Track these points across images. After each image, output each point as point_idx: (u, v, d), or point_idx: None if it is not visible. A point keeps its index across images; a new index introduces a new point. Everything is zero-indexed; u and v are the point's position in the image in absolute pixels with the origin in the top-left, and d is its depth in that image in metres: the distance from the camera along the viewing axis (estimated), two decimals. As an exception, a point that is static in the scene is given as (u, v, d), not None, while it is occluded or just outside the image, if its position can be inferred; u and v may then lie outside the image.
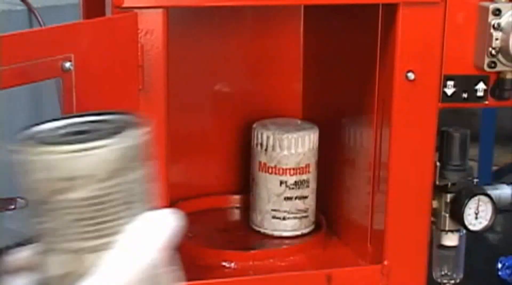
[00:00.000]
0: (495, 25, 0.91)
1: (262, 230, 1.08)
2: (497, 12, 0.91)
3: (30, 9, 1.57)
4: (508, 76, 0.93)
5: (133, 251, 0.53)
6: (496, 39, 0.91)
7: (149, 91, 0.85)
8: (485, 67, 0.92)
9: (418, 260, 0.98)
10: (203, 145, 1.18)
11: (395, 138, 0.94)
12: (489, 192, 1.00)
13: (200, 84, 1.16)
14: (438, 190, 0.99)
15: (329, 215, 1.11)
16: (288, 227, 1.06)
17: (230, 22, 1.15)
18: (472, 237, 1.04)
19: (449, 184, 0.99)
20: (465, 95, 0.94)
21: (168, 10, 0.85)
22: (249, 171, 1.10)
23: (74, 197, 0.51)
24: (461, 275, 1.04)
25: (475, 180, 1.02)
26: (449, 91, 0.94)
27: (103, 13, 0.89)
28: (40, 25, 1.54)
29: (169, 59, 0.86)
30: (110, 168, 0.51)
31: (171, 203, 0.92)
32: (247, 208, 1.12)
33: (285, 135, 1.04)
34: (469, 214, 0.98)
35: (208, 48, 1.15)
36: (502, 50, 0.91)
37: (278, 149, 1.04)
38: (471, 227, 0.99)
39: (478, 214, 0.99)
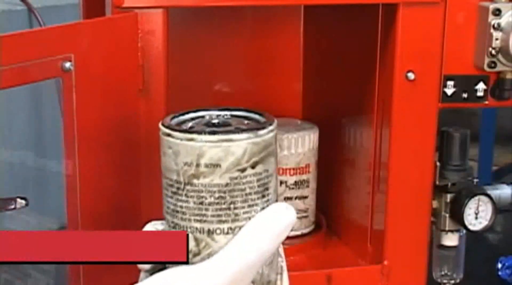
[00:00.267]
0: (495, 25, 0.91)
1: (262, 230, 1.08)
2: (497, 12, 0.91)
3: (30, 9, 1.57)
4: (508, 76, 0.93)
5: (255, 237, 0.57)
6: (496, 39, 0.91)
7: (149, 91, 0.85)
8: (485, 67, 0.92)
9: (418, 260, 0.98)
10: (203, 145, 1.18)
11: (395, 138, 0.94)
12: (489, 192, 1.00)
13: (200, 84, 1.16)
14: (438, 190, 0.99)
15: (329, 215, 1.11)
16: (288, 227, 1.06)
17: (230, 22, 1.15)
18: (472, 237, 1.04)
19: (449, 184, 0.99)
20: (465, 95, 0.94)
21: (168, 10, 0.85)
22: (249, 171, 1.10)
23: (216, 182, 0.57)
24: (461, 275, 1.04)
25: (475, 180, 1.02)
26: (449, 91, 0.94)
27: (103, 13, 0.89)
28: (40, 25, 1.55)
29: (169, 59, 0.86)
30: (250, 159, 0.57)
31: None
32: (247, 208, 1.12)
33: (285, 135, 1.04)
34: (469, 214, 0.98)
35: (208, 48, 1.15)
36: (502, 50, 0.91)
37: (278, 149, 1.04)
38: (471, 227, 0.99)
39: (478, 214, 0.99)
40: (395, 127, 0.94)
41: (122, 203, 0.83)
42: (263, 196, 0.59)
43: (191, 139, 0.57)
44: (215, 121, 0.62)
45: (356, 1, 0.95)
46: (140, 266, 0.61)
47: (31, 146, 1.60)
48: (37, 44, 0.74)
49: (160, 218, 0.62)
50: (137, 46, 0.83)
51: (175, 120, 0.61)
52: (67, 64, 0.76)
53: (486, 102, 0.95)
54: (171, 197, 0.59)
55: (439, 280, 1.04)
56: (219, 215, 0.58)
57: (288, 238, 1.13)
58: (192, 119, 0.62)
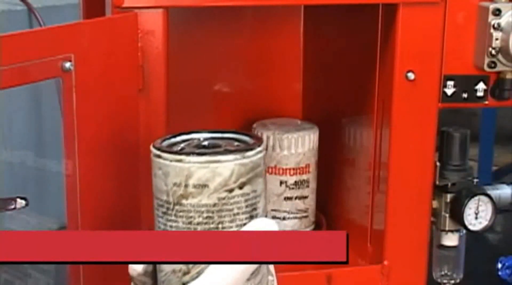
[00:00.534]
0: (495, 25, 0.91)
1: (262, 230, 1.08)
2: (497, 12, 0.91)
3: (30, 9, 1.57)
4: (508, 76, 0.93)
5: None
6: (496, 39, 0.91)
7: (149, 91, 0.85)
8: (485, 67, 0.92)
9: (418, 260, 0.98)
10: (203, 145, 1.18)
11: (395, 138, 0.94)
12: (489, 192, 1.00)
13: (200, 84, 1.16)
14: (438, 190, 0.99)
15: (329, 215, 1.11)
16: (288, 227, 1.06)
17: (230, 22, 1.15)
18: (472, 237, 1.04)
19: (449, 184, 0.99)
20: (465, 95, 0.94)
21: (168, 10, 0.85)
22: (249, 171, 1.10)
23: (204, 203, 0.58)
24: (461, 275, 1.04)
25: (475, 180, 1.02)
26: (449, 91, 0.94)
27: (103, 13, 0.89)
28: (40, 25, 1.54)
29: (169, 59, 0.86)
30: (238, 180, 0.59)
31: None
32: (247, 208, 1.12)
33: (285, 135, 1.04)
34: (469, 214, 0.98)
35: (208, 48, 1.15)
36: (502, 50, 0.91)
37: (278, 149, 1.04)
38: (471, 227, 0.99)
39: (478, 214, 0.99)
40: (395, 127, 0.94)
41: (121, 202, 0.83)
42: (251, 217, 0.60)
43: (180, 160, 0.58)
44: (205, 143, 0.63)
45: (356, 1, 0.95)
46: (131, 269, 0.62)
47: (31, 146, 1.60)
48: (37, 44, 0.74)
49: None
50: (137, 46, 0.83)
51: (166, 142, 0.63)
52: (67, 64, 0.76)
53: (486, 102, 0.95)
54: (162, 217, 0.60)
55: (439, 280, 1.04)
56: None
57: (288, 238, 1.12)
58: (183, 141, 0.64)
